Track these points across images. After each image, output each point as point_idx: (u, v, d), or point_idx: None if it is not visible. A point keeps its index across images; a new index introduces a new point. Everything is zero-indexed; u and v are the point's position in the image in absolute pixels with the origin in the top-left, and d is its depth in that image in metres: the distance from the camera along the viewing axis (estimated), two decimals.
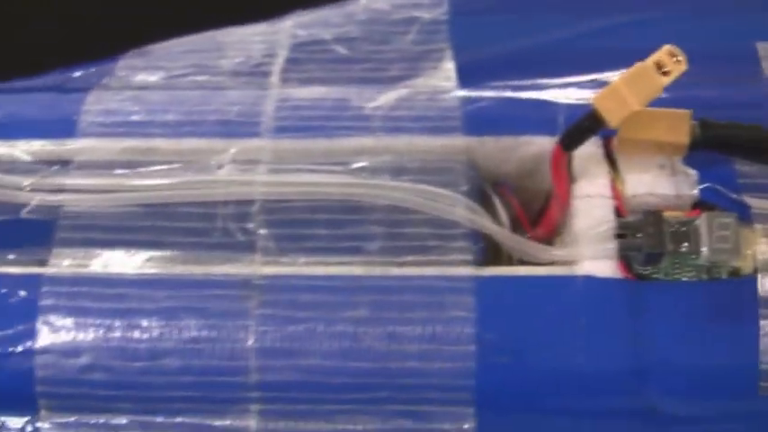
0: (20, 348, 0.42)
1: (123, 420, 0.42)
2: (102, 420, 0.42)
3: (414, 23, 0.51)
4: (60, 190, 0.45)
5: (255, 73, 0.50)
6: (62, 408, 0.42)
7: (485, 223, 0.43)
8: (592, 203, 0.43)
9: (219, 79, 0.49)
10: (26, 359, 0.42)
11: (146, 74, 0.50)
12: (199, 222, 0.44)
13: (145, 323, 0.42)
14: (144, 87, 0.49)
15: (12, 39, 0.58)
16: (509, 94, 0.47)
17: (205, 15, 0.58)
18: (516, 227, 0.45)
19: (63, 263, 0.43)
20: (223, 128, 0.46)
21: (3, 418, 0.42)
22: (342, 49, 0.50)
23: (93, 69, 0.51)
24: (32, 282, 0.43)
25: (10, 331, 0.42)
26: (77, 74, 0.51)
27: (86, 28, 0.59)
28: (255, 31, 0.52)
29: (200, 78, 0.49)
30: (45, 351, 0.42)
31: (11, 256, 0.44)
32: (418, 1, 0.52)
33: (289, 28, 0.51)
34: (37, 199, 0.44)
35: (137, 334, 0.42)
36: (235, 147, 0.45)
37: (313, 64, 0.50)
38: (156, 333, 0.42)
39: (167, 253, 0.43)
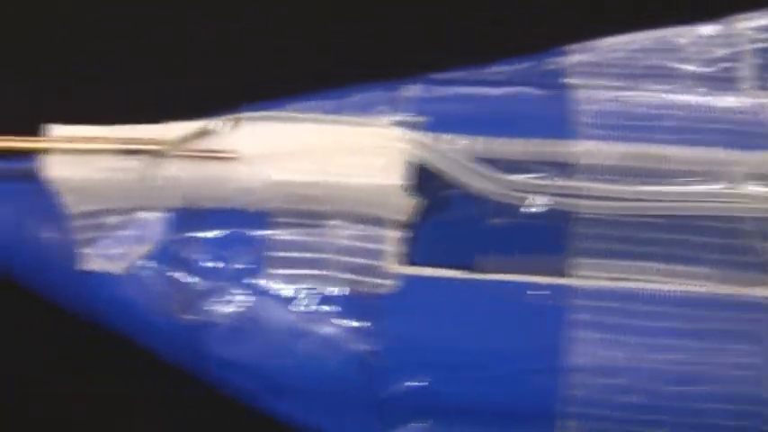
0: (547, 364, 0.39)
1: None
2: None
3: None
4: (567, 194, 0.41)
5: (722, 78, 0.46)
6: (587, 430, 0.39)
7: None
8: None
9: (686, 83, 0.46)
10: (552, 376, 0.39)
11: (601, 72, 0.47)
12: (723, 239, 0.41)
13: (684, 344, 0.39)
14: (615, 88, 0.45)
15: (12, 39, 0.56)
16: None
17: (205, 15, 0.56)
18: None
19: (587, 274, 0.40)
20: (731, 137, 0.43)
21: None
22: None
23: (531, 64, 0.48)
24: (558, 293, 0.40)
25: (535, 345, 0.39)
26: (517, 68, 0.48)
27: (86, 28, 0.57)
28: (709, 33, 0.48)
29: (662, 80, 0.46)
30: (575, 369, 0.39)
31: (524, 262, 0.41)
32: None
33: (747, 31, 0.48)
34: (545, 202, 0.41)
35: (676, 355, 0.39)
36: (750, 159, 0.42)
37: None
38: (696, 356, 0.39)
39: (693, 269, 0.40)
